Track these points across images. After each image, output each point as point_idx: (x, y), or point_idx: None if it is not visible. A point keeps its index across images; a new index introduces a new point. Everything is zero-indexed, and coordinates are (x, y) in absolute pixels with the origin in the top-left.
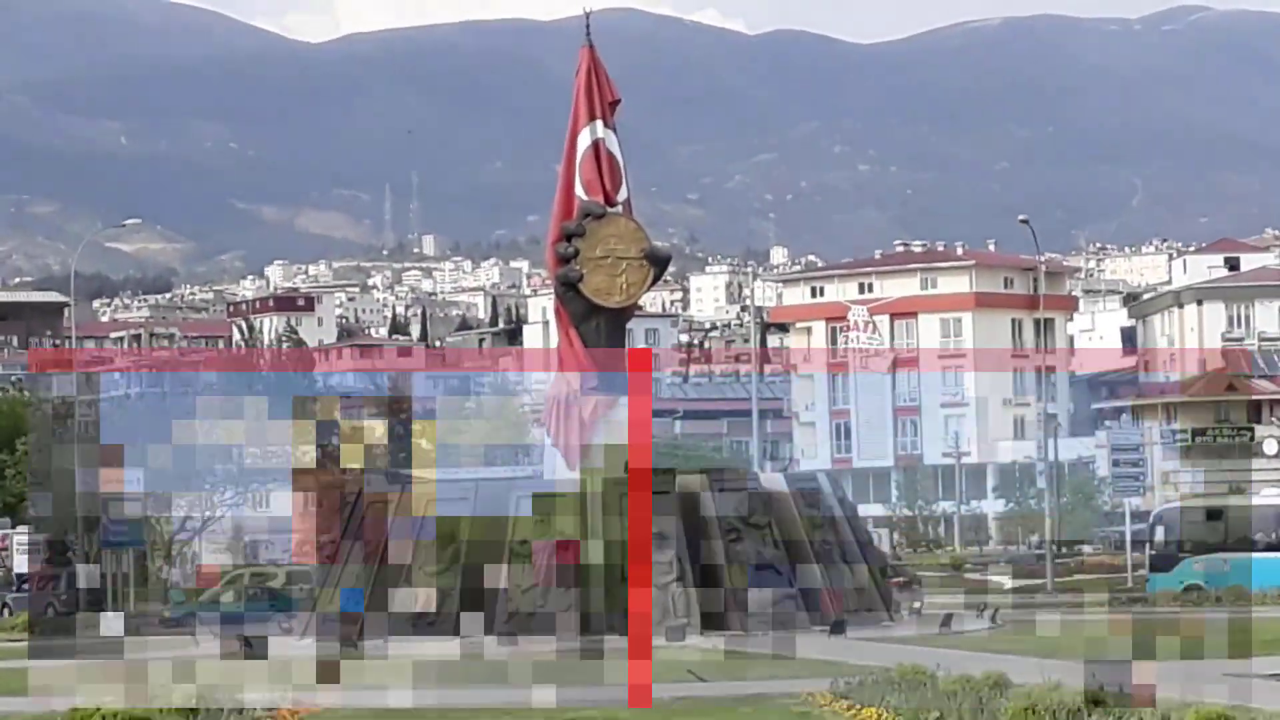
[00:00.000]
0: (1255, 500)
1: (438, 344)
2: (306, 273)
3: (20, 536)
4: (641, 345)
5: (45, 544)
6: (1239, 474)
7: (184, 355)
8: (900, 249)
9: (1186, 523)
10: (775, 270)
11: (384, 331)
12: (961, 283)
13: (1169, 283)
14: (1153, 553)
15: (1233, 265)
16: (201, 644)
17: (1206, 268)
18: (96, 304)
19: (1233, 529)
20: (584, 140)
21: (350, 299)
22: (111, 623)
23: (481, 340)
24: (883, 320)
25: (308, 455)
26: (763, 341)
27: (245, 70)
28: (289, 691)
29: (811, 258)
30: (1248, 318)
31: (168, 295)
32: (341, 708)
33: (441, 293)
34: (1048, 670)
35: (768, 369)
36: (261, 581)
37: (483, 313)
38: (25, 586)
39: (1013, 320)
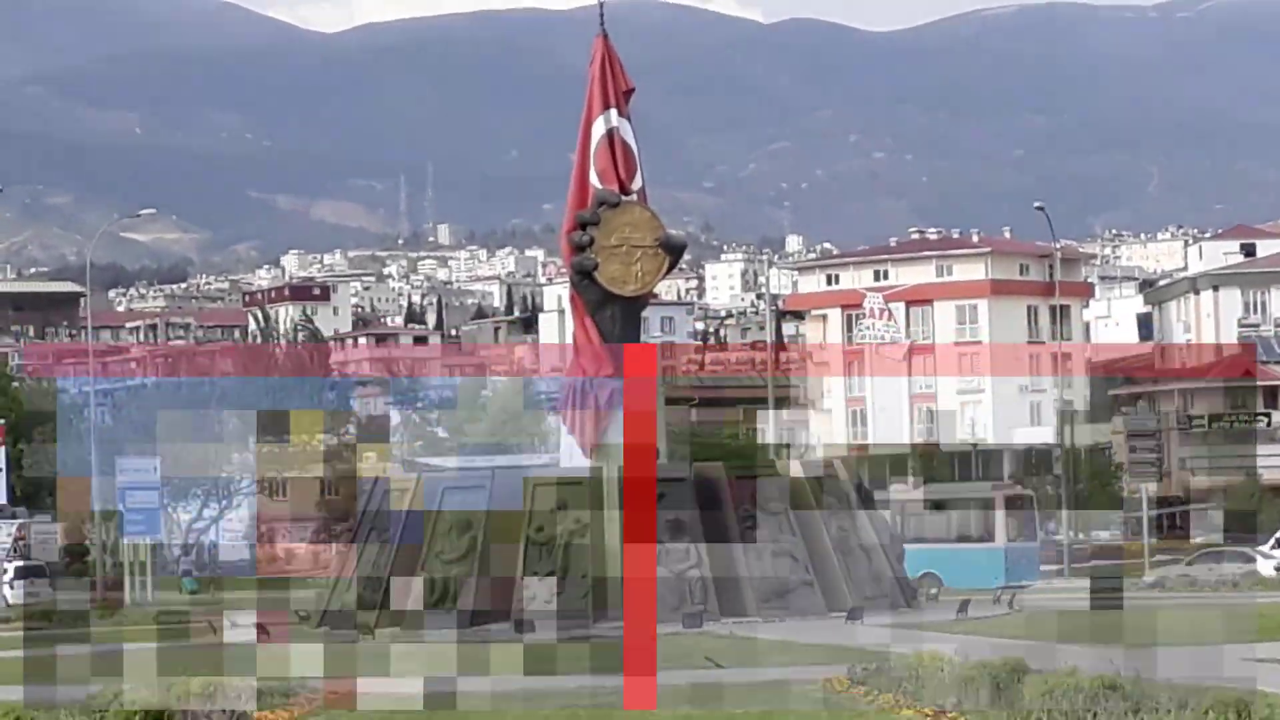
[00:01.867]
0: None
1: (453, 332)
2: (322, 262)
3: (40, 526)
4: (657, 333)
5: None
6: (1254, 459)
7: (200, 348)
8: (915, 236)
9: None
10: (790, 258)
11: (399, 320)
12: (977, 270)
13: (1185, 269)
14: None
15: (1249, 251)
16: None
17: (1222, 254)
18: (112, 294)
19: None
20: (598, 129)
21: (366, 288)
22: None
23: (497, 329)
24: (898, 307)
25: (323, 443)
26: (778, 329)
27: (260, 60)
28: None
29: (827, 245)
30: (1264, 304)
31: (183, 285)
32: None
33: (457, 281)
34: (1065, 656)
35: (783, 356)
36: None
37: (498, 301)
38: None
39: (1028, 307)
